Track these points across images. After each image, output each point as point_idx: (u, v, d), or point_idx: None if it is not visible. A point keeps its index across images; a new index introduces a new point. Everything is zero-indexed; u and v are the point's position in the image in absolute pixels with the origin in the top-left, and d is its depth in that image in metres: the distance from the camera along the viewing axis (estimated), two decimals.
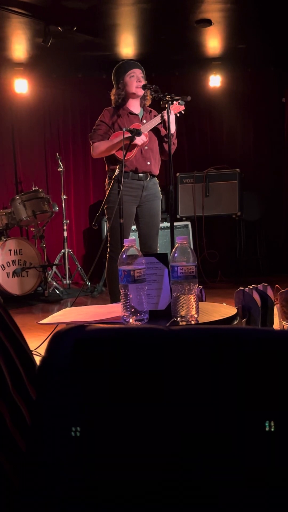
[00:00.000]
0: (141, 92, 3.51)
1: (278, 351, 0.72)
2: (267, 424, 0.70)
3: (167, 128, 3.38)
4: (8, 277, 5.27)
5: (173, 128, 3.45)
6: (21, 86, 6.44)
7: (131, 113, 3.57)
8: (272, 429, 0.70)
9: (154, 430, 0.72)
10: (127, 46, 5.89)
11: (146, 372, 0.73)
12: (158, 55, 6.14)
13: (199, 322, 1.75)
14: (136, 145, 3.40)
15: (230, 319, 1.84)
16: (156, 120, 3.48)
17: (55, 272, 5.92)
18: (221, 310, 1.96)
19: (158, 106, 3.47)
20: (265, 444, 0.70)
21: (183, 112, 3.58)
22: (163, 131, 3.56)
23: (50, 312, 4.73)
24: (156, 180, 3.63)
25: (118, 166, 3.37)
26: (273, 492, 0.70)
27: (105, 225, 5.89)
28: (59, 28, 5.05)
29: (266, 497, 0.70)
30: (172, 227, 3.40)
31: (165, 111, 3.42)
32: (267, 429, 0.70)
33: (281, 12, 5.03)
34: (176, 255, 1.72)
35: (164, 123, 3.46)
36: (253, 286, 2.21)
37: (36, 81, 6.56)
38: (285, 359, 0.71)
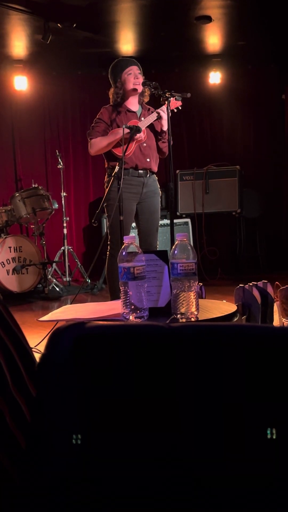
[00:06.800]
0: (140, 88, 3.50)
1: (278, 348, 0.72)
2: (268, 432, 0.70)
3: (167, 124, 3.38)
4: (8, 274, 5.27)
5: (165, 125, 3.46)
6: (21, 83, 6.44)
7: (129, 110, 3.57)
8: (274, 433, 0.70)
9: (153, 428, 0.72)
10: (126, 43, 5.88)
11: (146, 369, 0.73)
12: (157, 52, 6.13)
13: (199, 319, 1.75)
14: (133, 141, 3.39)
15: (230, 316, 1.84)
16: (153, 117, 3.48)
17: (55, 269, 5.92)
18: (221, 307, 1.96)
19: (157, 103, 3.46)
20: (267, 438, 0.70)
21: (180, 108, 3.59)
22: (158, 128, 3.56)
23: (50, 309, 4.72)
24: (155, 177, 3.62)
25: (118, 163, 3.36)
26: (275, 495, 0.70)
27: (105, 223, 5.90)
28: (59, 25, 5.04)
29: (268, 500, 0.70)
30: (172, 224, 3.39)
31: (162, 108, 3.42)
32: (268, 432, 0.70)
33: (281, 8, 5.02)
34: (176, 252, 1.72)
35: (161, 120, 3.46)
36: (253, 283, 2.21)
37: (36, 78, 6.56)
38: (285, 356, 0.71)
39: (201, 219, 6.05)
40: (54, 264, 5.86)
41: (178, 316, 1.74)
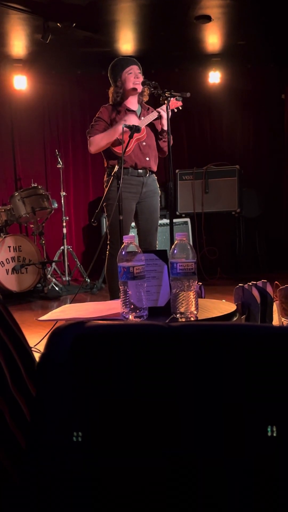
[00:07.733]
0: (140, 88, 3.51)
1: (277, 348, 0.72)
2: (269, 429, 0.70)
3: (167, 124, 3.38)
4: (7, 274, 5.27)
5: (165, 125, 3.47)
6: (20, 82, 6.43)
7: (129, 110, 3.57)
8: (275, 431, 0.70)
9: (153, 427, 0.72)
10: (126, 42, 5.88)
11: (146, 368, 0.73)
12: (157, 52, 6.12)
13: (198, 318, 1.75)
14: (133, 139, 3.40)
15: (229, 316, 1.84)
16: (153, 116, 3.49)
17: (54, 269, 5.92)
18: (221, 306, 1.96)
19: (157, 102, 3.46)
20: (267, 437, 0.70)
21: (180, 108, 3.59)
22: (159, 127, 3.56)
23: (50, 308, 4.72)
24: (154, 176, 3.62)
25: (117, 162, 3.36)
26: (276, 496, 0.70)
27: (105, 222, 5.90)
28: (58, 24, 5.03)
29: (269, 498, 0.70)
30: (171, 224, 3.39)
31: (162, 107, 3.42)
32: (268, 429, 0.70)
33: (281, 8, 5.02)
34: (175, 251, 1.72)
35: (161, 119, 3.46)
36: (252, 283, 2.21)
37: (35, 77, 6.55)
38: (284, 356, 0.71)
39: (201, 218, 6.05)
40: (53, 264, 5.86)
41: (178, 315, 1.74)
